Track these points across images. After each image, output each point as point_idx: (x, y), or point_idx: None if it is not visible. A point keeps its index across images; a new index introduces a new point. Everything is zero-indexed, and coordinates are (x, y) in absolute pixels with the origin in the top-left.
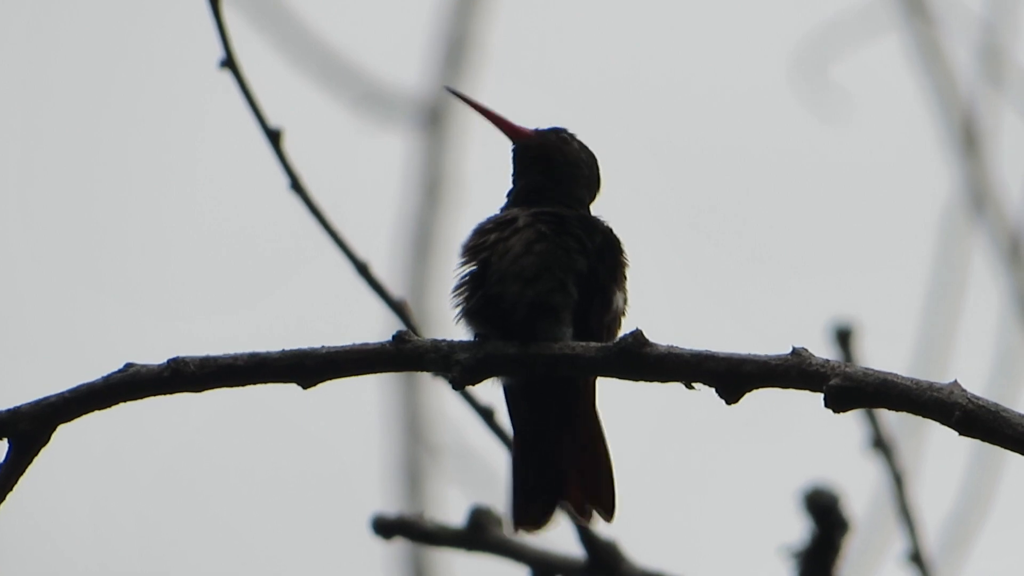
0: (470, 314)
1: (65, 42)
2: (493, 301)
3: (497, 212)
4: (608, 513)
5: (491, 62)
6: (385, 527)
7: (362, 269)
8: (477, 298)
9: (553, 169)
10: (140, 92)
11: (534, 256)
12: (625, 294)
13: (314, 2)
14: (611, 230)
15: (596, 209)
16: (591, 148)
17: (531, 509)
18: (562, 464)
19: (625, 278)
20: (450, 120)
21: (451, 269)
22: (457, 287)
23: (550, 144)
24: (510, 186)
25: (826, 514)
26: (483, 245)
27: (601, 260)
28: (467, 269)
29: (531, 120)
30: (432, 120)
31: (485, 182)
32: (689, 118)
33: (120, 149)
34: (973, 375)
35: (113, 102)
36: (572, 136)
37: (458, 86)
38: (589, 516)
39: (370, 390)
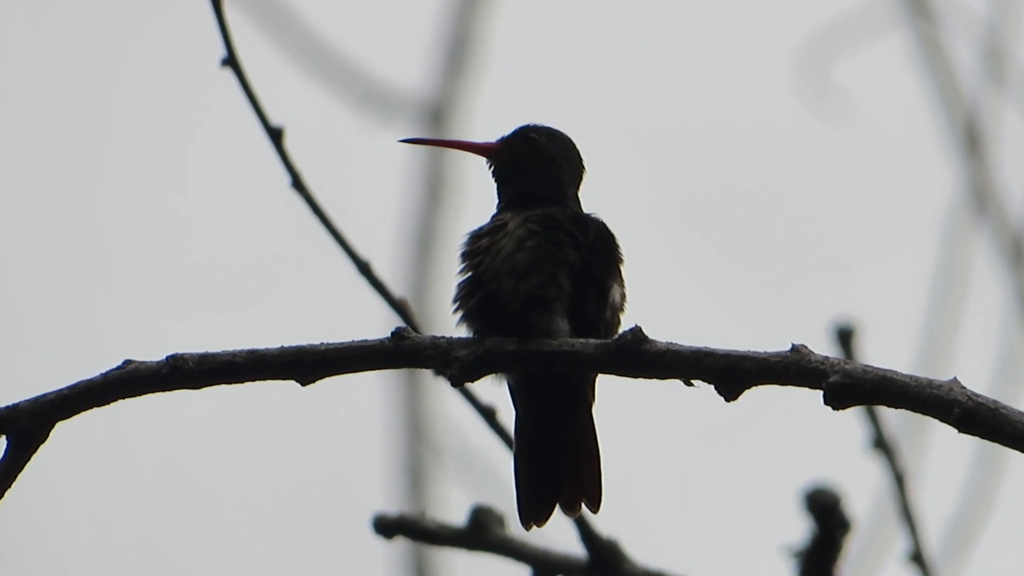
0: (470, 315)
1: (67, 41)
2: (491, 298)
3: (488, 220)
4: (595, 505)
5: (493, 61)
6: (386, 526)
7: (363, 268)
8: (477, 299)
9: (532, 174)
10: (142, 90)
11: (526, 252)
12: (622, 288)
13: (316, 2)
14: (605, 225)
15: (591, 203)
16: (560, 132)
17: (537, 504)
18: (561, 458)
19: (620, 272)
20: (452, 120)
21: (452, 275)
22: (457, 293)
23: (519, 151)
24: (497, 200)
25: (827, 514)
26: (478, 250)
27: (595, 254)
28: (464, 275)
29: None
30: (434, 120)
31: (485, 182)
32: (691, 117)
33: (121, 147)
34: (975, 374)
35: (115, 100)
36: (538, 131)
37: (415, 134)
38: (578, 509)
39: (372, 389)
